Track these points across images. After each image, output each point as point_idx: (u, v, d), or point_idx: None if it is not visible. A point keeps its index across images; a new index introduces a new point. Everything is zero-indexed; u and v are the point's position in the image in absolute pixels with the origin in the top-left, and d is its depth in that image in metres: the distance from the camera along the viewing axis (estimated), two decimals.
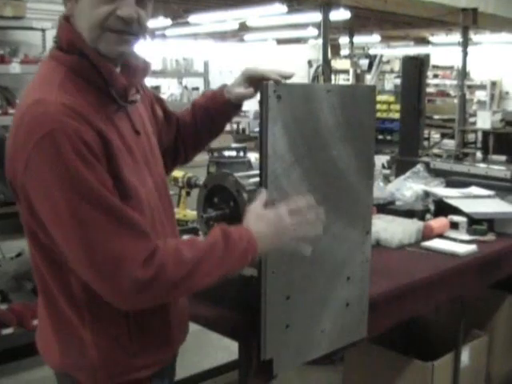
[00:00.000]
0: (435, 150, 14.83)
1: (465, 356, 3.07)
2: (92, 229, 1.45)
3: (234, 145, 10.15)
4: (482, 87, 16.32)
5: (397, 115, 10.99)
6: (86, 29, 1.57)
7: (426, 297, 2.56)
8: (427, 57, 16.87)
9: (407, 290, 2.45)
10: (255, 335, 1.88)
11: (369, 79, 13.48)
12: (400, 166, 4.23)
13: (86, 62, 1.57)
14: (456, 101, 14.42)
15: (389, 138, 11.05)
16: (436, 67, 17.84)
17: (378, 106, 11.11)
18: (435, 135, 16.26)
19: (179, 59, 8.87)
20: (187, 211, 3.18)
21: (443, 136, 15.39)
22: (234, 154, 9.92)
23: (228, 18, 11.95)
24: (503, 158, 13.55)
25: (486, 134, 13.61)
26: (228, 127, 13.75)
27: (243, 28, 13.06)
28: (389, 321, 2.40)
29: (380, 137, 11.19)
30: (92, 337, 1.64)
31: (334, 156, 1.97)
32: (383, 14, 12.13)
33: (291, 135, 1.82)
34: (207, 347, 4.61)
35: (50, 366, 1.76)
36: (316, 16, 10.78)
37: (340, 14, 11.06)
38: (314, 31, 14.29)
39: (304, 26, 13.86)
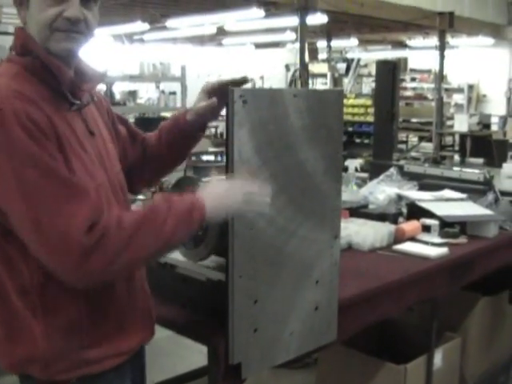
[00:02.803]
0: (413, 153, 14.92)
1: (438, 358, 3.08)
2: (40, 197, 1.50)
3: (211, 149, 10.17)
4: (460, 90, 16.45)
5: None
6: (36, 31, 1.64)
7: (397, 299, 2.58)
8: (403, 60, 16.96)
9: (378, 293, 2.45)
10: (223, 339, 1.88)
11: (346, 83, 13.54)
12: (374, 170, 4.24)
13: (38, 62, 1.64)
14: (433, 104, 14.52)
15: (366, 141, 11.07)
16: (413, 70, 17.96)
17: (355, 110, 11.16)
18: (413, 138, 16.34)
19: (156, 64, 8.83)
20: None
21: (421, 139, 15.48)
22: (211, 158, 9.95)
23: (206, 22, 11.96)
24: (480, 160, 13.67)
25: (463, 136, 13.70)
26: (206, 132, 13.73)
27: (221, 32, 13.08)
28: (359, 323, 2.41)
29: (357, 140, 11.22)
30: (43, 328, 1.64)
31: (302, 159, 1.97)
32: (360, 18, 12.20)
33: (257, 139, 1.82)
34: (182, 350, 4.59)
35: (4, 367, 1.72)
36: (293, 20, 10.81)
37: (317, 18, 11.10)
38: (291, 35, 14.34)
39: (282, 30, 13.91)
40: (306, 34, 10.81)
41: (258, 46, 16.65)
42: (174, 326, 2.15)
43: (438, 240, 3.06)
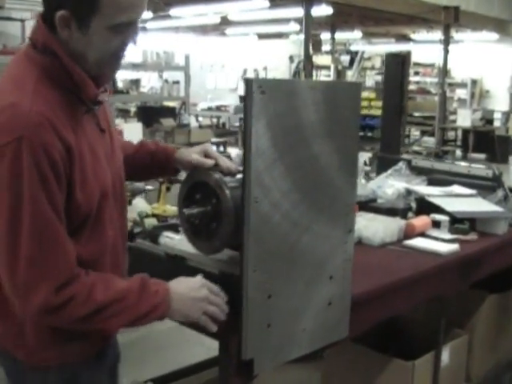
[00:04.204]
0: (415, 147, 14.90)
1: (445, 355, 3.06)
2: (22, 241, 1.55)
3: (214, 139, 10.13)
4: (463, 85, 16.41)
5: (378, 112, 11.00)
6: (94, 57, 1.66)
7: (407, 296, 2.55)
8: (409, 54, 16.94)
9: (389, 289, 2.42)
10: (235, 334, 1.84)
11: (350, 75, 13.49)
12: (381, 163, 4.20)
13: (57, 64, 1.63)
14: (436, 98, 14.49)
15: (370, 134, 11.06)
16: (417, 64, 17.91)
17: None
18: (415, 132, 16.33)
19: (160, 52, 8.79)
20: (167, 207, 3.13)
21: (423, 133, 15.47)
22: (214, 148, 9.87)
23: (209, 12, 11.91)
24: (482, 156, 13.66)
25: (465, 132, 13.69)
26: (208, 121, 13.72)
27: (225, 22, 13.02)
28: (370, 320, 2.37)
29: (361, 133, 11.17)
30: (30, 321, 1.72)
31: (317, 153, 1.94)
32: (365, 11, 12.15)
33: (274, 131, 1.78)
34: (182, 343, 4.57)
35: None
36: (298, 11, 10.76)
37: (322, 10, 11.06)
38: (295, 26, 14.29)
39: (286, 21, 13.85)
40: (310, 25, 10.76)
41: (262, 36, 16.60)
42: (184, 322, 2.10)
43: (448, 236, 3.03)
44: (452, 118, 14.81)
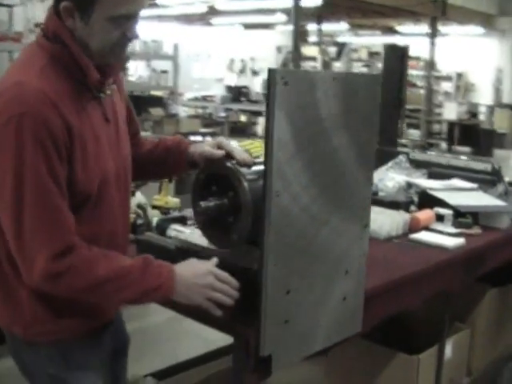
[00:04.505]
0: (402, 140, 14.90)
1: (448, 349, 3.05)
2: (25, 209, 1.63)
3: (202, 130, 10.07)
4: (448, 78, 16.42)
5: None
6: (96, 46, 1.74)
7: (416, 290, 2.53)
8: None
9: (399, 284, 2.40)
10: (252, 330, 1.81)
11: (337, 67, 13.47)
12: (379, 156, 4.18)
13: (66, 52, 1.72)
14: (422, 91, 14.51)
15: None
16: None
17: None
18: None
19: (148, 41, 8.69)
20: (169, 198, 3.08)
21: (409, 126, 15.48)
22: (200, 138, 9.82)
23: (196, 1, 11.83)
24: (467, 149, 13.72)
25: (451, 125, 13.73)
26: (193, 112, 13.63)
27: (211, 11, 12.92)
28: (380, 315, 2.35)
29: None
30: (27, 294, 1.78)
31: (336, 146, 1.90)
32: (353, 2, 12.14)
33: (296, 123, 1.75)
34: (181, 335, 4.54)
35: None
36: (284, 2, 10.72)
37: (311, 1, 11.03)
38: (282, 17, 14.23)
39: (272, 11, 13.80)
40: (299, 16, 10.72)
41: (248, 26, 16.51)
42: (199, 317, 2.06)
43: (453, 230, 3.01)
44: (437, 111, 14.85)
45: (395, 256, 2.61)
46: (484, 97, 15.88)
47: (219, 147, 2.00)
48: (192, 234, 2.16)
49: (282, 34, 15.80)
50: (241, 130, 13.60)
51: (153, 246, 2.20)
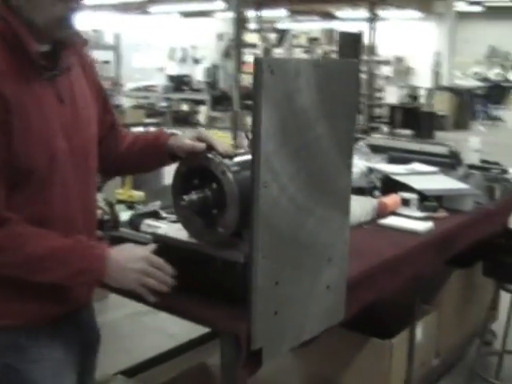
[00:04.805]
0: None
1: (418, 332, 3.07)
2: None
3: (147, 120, 9.94)
4: (388, 63, 16.63)
5: None
6: (43, 21, 1.70)
7: (394, 276, 2.54)
8: (330, 32, 17.04)
9: (377, 270, 2.40)
10: (242, 324, 1.78)
11: (277, 53, 13.48)
12: None
13: (9, 29, 1.67)
14: (363, 76, 14.64)
15: None
16: None
17: None
18: None
19: (88, 31, 8.52)
20: (133, 192, 3.01)
21: None
22: (141, 129, 9.70)
23: None
24: (408, 131, 13.94)
25: (393, 108, 13.92)
26: (136, 102, 13.44)
27: (150, 0, 12.78)
28: (361, 301, 2.35)
29: None
30: None
31: (319, 134, 1.87)
32: None
33: (282, 113, 1.72)
34: (142, 330, 4.48)
35: None
36: None
37: None
38: (221, 4, 14.15)
39: None
40: (241, 2, 10.68)
41: (185, 14, 16.36)
42: (185, 314, 2.01)
43: (419, 214, 3.03)
44: (378, 95, 15.02)
45: (369, 242, 2.61)
46: (423, 80, 16.14)
47: (200, 139, 1.94)
48: (170, 229, 2.10)
49: (222, 22, 15.72)
50: (183, 120, 13.51)
51: (129, 242, 2.14)
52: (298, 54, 16.05)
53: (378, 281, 2.43)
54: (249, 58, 13.49)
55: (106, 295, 4.53)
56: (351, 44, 3.80)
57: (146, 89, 13.36)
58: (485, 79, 21.60)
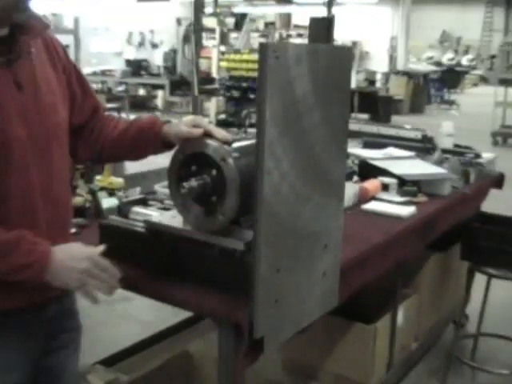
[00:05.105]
0: None
1: (399, 316, 3.10)
2: None
3: (109, 105, 9.80)
4: None
5: None
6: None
7: (382, 261, 2.54)
8: (287, 16, 16.98)
9: (368, 256, 2.40)
10: (244, 313, 1.76)
11: (239, 38, 13.41)
12: None
13: None
14: None
15: None
16: (297, 27, 18.02)
17: (250, 65, 11.04)
18: None
19: (47, 15, 8.35)
20: (113, 178, 2.96)
21: None
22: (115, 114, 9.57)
23: None
24: (366, 115, 14.03)
25: (351, 93, 13.97)
26: (94, 86, 13.23)
27: None
28: (352, 287, 2.35)
29: (252, 96, 11.11)
30: None
31: (316, 121, 1.86)
32: None
33: (284, 99, 1.69)
34: (116, 319, 4.42)
35: None
36: None
37: None
38: None
39: None
40: None
41: None
42: (176, 301, 1.98)
43: (400, 199, 3.05)
44: None
45: (356, 228, 2.60)
46: (378, 64, 16.24)
47: (196, 126, 1.91)
48: (163, 216, 2.07)
49: (181, 6, 15.54)
50: (141, 104, 13.36)
51: (121, 230, 2.10)
52: (255, 38, 15.99)
53: (368, 266, 2.43)
54: (207, 42, 13.42)
55: None
56: (322, 29, 3.81)
57: (104, 73, 13.16)
58: (438, 63, 21.87)
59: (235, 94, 11.16)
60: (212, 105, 12.67)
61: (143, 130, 2.00)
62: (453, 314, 3.93)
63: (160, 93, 13.55)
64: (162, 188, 2.76)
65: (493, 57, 27.71)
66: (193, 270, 1.94)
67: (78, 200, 2.71)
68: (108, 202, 2.74)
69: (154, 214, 2.13)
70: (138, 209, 2.23)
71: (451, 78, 18.50)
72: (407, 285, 3.38)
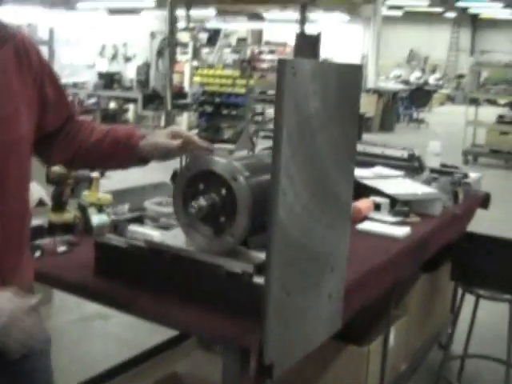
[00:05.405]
0: (271, 125, 15.01)
1: (391, 337, 3.05)
2: None
3: (80, 118, 9.62)
4: None
5: (242, 90, 10.92)
6: None
7: (381, 282, 2.50)
8: (258, 32, 17.03)
9: (368, 277, 2.35)
10: (253, 338, 1.70)
11: (213, 53, 13.39)
12: None
13: None
14: None
15: (234, 112, 10.95)
16: (268, 43, 18.08)
17: (223, 81, 10.99)
18: (268, 110, 16.46)
19: (22, 25, 8.23)
20: (100, 194, 2.87)
21: None
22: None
23: None
24: None
25: None
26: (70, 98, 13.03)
27: None
28: (352, 309, 2.29)
29: (225, 111, 11.06)
30: None
31: (329, 139, 1.82)
32: None
33: (299, 116, 1.65)
34: (92, 337, 4.31)
35: None
36: None
37: None
38: (149, 2, 13.95)
39: None
40: (177, 1, 10.55)
41: (113, 11, 16.04)
42: (181, 325, 1.91)
43: (394, 219, 3.01)
44: None
45: (354, 248, 2.54)
46: None
47: (174, 136, 1.85)
48: (165, 236, 2.00)
49: (155, 20, 15.47)
50: (112, 117, 13.23)
51: (120, 250, 2.03)
52: (227, 54, 15.97)
53: (368, 287, 2.38)
54: (180, 57, 13.36)
55: (48, 299, 4.33)
56: (309, 46, 3.75)
57: (76, 86, 13.00)
58: (406, 82, 22.08)
59: (208, 109, 11.07)
60: (184, 120, 12.59)
61: (119, 141, 1.91)
62: (438, 334, 3.90)
63: (131, 106, 13.43)
64: (152, 205, 2.68)
65: (460, 76, 28.13)
66: (198, 292, 1.86)
67: (67, 216, 2.62)
68: (98, 219, 2.65)
69: (155, 234, 2.05)
70: (135, 227, 2.16)
71: (420, 96, 18.66)
72: (396, 305, 3.34)
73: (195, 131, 11.72)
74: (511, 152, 11.65)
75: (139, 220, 2.27)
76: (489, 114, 13.05)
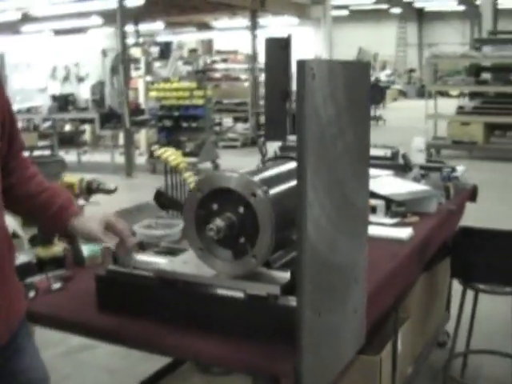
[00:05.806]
0: (230, 135, 14.95)
1: (399, 343, 2.95)
2: None
3: (40, 143, 9.41)
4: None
5: (200, 101, 10.78)
6: None
7: (394, 287, 2.40)
8: (209, 42, 16.92)
9: (383, 285, 2.24)
10: (281, 365, 1.58)
11: (168, 66, 13.24)
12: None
13: None
14: (246, 84, 14.60)
15: (194, 125, 10.79)
16: (219, 52, 17.95)
17: (180, 93, 10.83)
18: (226, 119, 16.37)
19: None
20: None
21: (237, 120, 15.54)
22: (47, 152, 9.22)
23: (8, 8, 11.14)
24: (294, 137, 13.99)
25: None
26: (20, 124, 12.74)
27: (26, 18, 12.20)
28: (371, 319, 2.17)
29: (185, 124, 10.89)
30: None
31: (347, 144, 1.70)
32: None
33: (319, 122, 1.53)
34: (81, 369, 4.11)
35: None
36: (100, 4, 10.43)
37: (131, 1, 10.78)
38: (96, 20, 13.75)
39: (87, 14, 13.32)
40: (125, 17, 10.39)
41: (59, 32, 15.76)
42: (210, 358, 1.76)
43: (392, 220, 2.92)
44: (263, 102, 15.00)
45: None
46: None
47: (108, 227, 1.84)
48: (174, 263, 1.86)
49: (105, 37, 15.24)
50: (69, 140, 12.95)
51: (126, 282, 1.88)
52: (180, 66, 15.82)
53: (382, 297, 2.27)
54: (132, 73, 13.16)
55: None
56: (280, 50, 3.68)
57: (29, 111, 12.69)
58: None
59: (167, 123, 10.89)
60: (142, 136, 12.39)
61: (51, 209, 1.83)
62: (437, 333, 3.82)
63: (87, 127, 13.18)
64: (141, 229, 2.53)
65: (410, 71, 28.40)
66: (218, 321, 1.73)
67: (55, 250, 2.46)
68: (88, 249, 2.49)
69: (162, 261, 1.91)
70: (139, 256, 2.01)
71: (374, 94, 18.72)
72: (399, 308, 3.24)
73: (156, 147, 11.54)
74: (473, 142, 11.71)
75: (140, 247, 2.12)
76: (443, 105, 13.10)
